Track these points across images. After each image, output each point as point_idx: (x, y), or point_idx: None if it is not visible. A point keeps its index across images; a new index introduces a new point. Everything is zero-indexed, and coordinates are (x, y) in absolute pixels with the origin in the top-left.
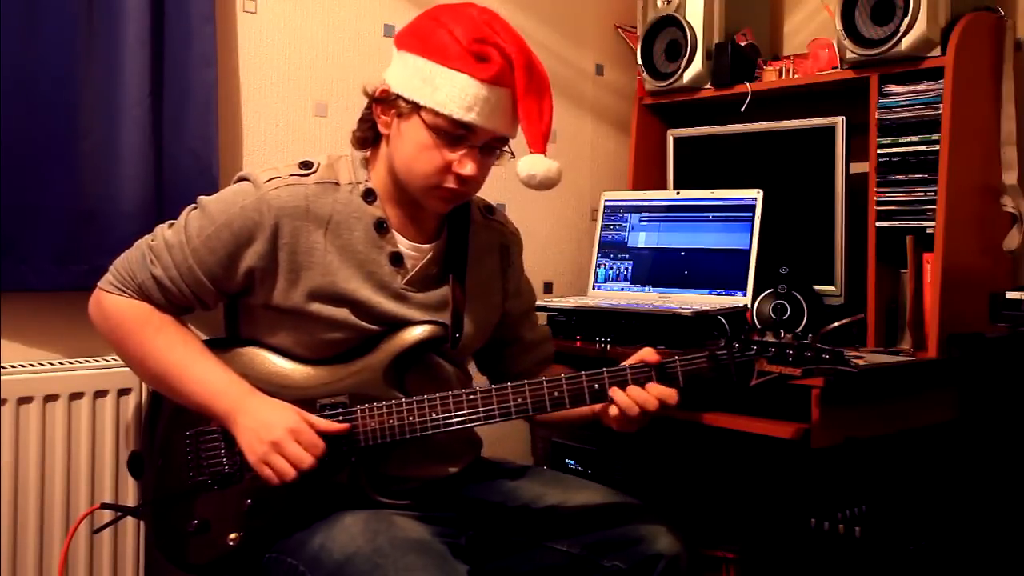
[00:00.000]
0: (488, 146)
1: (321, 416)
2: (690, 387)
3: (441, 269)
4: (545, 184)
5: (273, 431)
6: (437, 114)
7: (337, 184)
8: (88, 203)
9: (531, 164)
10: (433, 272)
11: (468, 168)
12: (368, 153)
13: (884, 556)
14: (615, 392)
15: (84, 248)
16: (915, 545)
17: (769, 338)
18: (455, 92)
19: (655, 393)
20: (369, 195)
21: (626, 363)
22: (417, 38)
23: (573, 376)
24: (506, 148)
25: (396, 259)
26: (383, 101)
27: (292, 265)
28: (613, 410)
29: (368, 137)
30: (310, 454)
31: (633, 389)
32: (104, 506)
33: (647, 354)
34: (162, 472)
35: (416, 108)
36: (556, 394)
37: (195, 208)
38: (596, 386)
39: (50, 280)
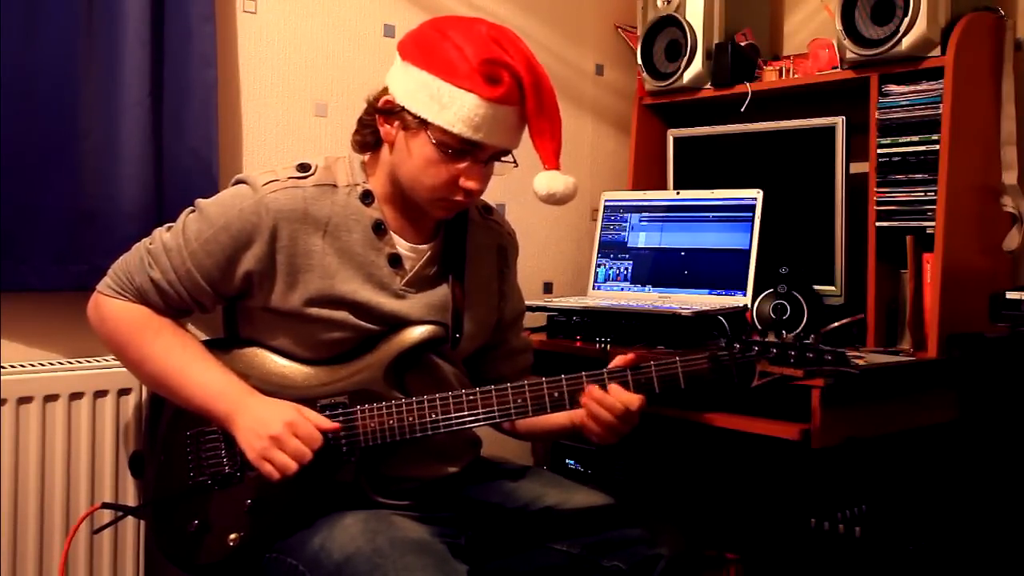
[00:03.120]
0: (492, 157)
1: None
2: (691, 388)
3: (439, 269)
4: (564, 200)
5: (271, 426)
6: (444, 132)
7: (335, 186)
8: (88, 203)
9: (549, 182)
10: (431, 272)
11: (473, 183)
12: (367, 157)
13: (884, 556)
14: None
15: (84, 248)
16: (915, 545)
17: (770, 338)
18: (463, 112)
19: (618, 397)
20: (367, 197)
21: (612, 365)
22: (423, 52)
23: (573, 376)
24: (508, 158)
25: (395, 260)
26: (387, 112)
27: (290, 268)
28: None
29: (369, 142)
30: (309, 447)
31: (599, 393)
32: (105, 506)
33: (624, 360)
34: (163, 472)
35: (423, 124)
36: (556, 394)
37: (193, 211)
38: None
39: (50, 280)
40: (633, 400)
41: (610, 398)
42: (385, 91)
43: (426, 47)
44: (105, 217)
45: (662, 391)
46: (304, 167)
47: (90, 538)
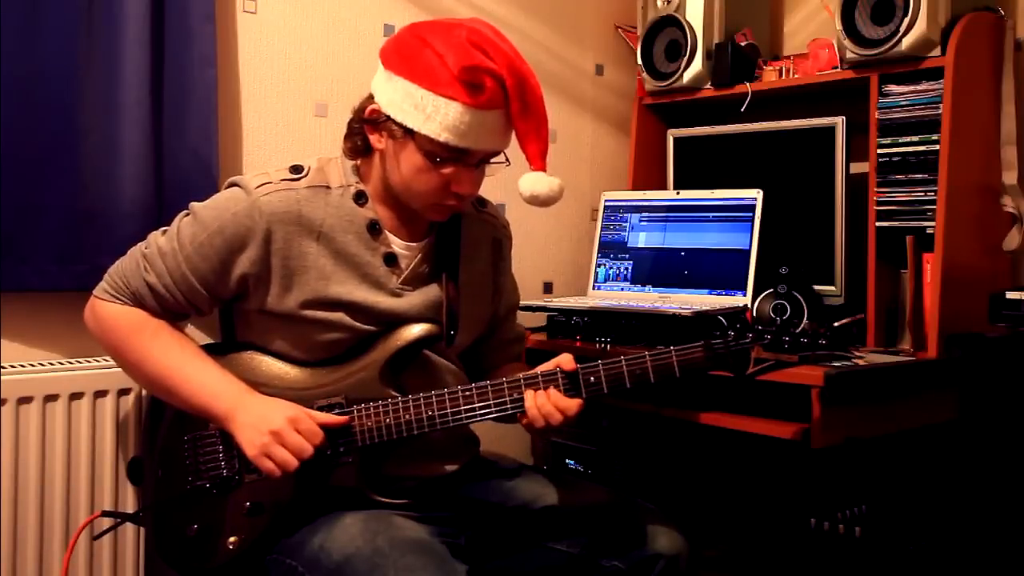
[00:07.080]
0: (482, 160)
1: None
2: (689, 380)
3: (433, 266)
4: (548, 202)
5: (272, 421)
6: (431, 141)
7: (328, 188)
8: (88, 203)
9: (533, 183)
10: (426, 270)
11: (465, 188)
12: (359, 161)
13: (884, 556)
14: (527, 397)
15: (85, 248)
16: (915, 545)
17: None
18: (448, 120)
19: (554, 402)
20: (360, 197)
21: (541, 368)
22: (405, 61)
23: (569, 371)
24: (499, 160)
25: (390, 259)
26: (374, 122)
27: (285, 271)
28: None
29: (360, 147)
30: (310, 443)
31: (540, 396)
32: (105, 513)
33: (565, 361)
34: (162, 477)
35: (409, 133)
36: None
37: (187, 214)
38: (592, 379)
39: (50, 280)
40: (571, 406)
41: (548, 404)
42: (370, 99)
43: (407, 56)
44: (105, 217)
45: (657, 382)
46: (297, 169)
47: (90, 544)
